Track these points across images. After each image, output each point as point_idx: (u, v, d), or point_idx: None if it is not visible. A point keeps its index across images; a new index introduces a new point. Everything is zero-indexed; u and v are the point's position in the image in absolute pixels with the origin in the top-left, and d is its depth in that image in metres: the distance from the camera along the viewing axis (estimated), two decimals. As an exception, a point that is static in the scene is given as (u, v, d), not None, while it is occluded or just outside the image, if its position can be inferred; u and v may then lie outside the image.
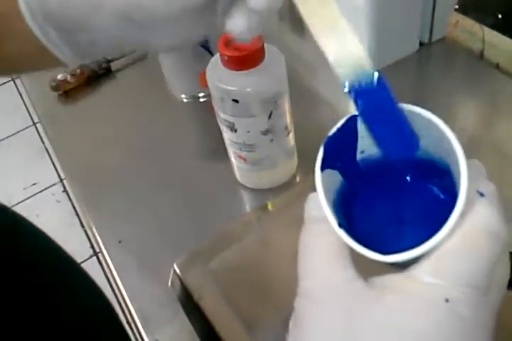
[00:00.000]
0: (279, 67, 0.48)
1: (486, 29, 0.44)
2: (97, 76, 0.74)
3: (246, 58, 0.45)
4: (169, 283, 0.48)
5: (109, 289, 1.12)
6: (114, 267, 0.53)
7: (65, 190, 1.74)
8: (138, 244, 0.55)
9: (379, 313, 0.23)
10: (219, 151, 0.57)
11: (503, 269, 0.25)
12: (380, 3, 0.60)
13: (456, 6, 0.45)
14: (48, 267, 0.54)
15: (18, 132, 1.94)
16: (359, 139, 0.28)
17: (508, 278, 0.25)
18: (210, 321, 0.43)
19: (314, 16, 0.27)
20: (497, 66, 0.44)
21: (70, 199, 1.71)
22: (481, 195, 0.24)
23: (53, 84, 0.72)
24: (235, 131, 0.50)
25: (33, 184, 1.76)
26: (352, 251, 0.25)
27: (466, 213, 0.23)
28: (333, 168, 0.28)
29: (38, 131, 1.92)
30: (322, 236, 0.26)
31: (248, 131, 0.50)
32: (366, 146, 0.29)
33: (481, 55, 0.44)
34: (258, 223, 0.50)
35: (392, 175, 0.29)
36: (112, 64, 0.74)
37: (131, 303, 0.50)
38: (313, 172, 0.27)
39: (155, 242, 0.54)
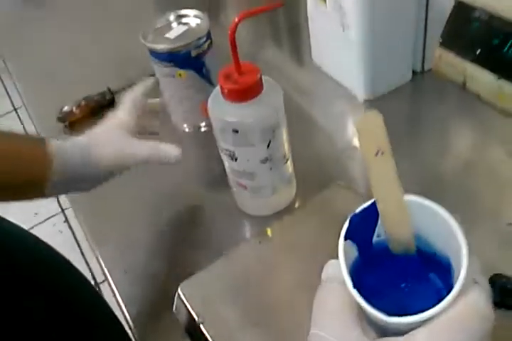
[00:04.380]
0: (277, 97, 0.50)
1: (467, 63, 0.47)
2: (101, 107, 0.75)
3: (245, 91, 0.47)
4: (174, 309, 0.49)
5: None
6: (120, 295, 0.54)
7: (66, 221, 1.75)
8: (142, 271, 0.56)
9: None
10: (220, 179, 0.59)
11: None
12: (375, 37, 0.63)
13: (441, 40, 0.48)
14: (63, 283, 0.55)
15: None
16: (378, 224, 0.32)
17: None
18: (214, 345, 0.44)
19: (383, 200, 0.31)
20: (478, 97, 0.47)
21: (71, 229, 1.71)
22: (476, 282, 0.28)
23: (60, 115, 0.74)
24: (236, 159, 0.52)
25: (35, 214, 1.77)
26: (360, 310, 0.29)
27: (462, 293, 0.27)
28: (353, 240, 0.31)
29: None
30: (339, 295, 0.30)
31: (248, 160, 0.52)
32: (382, 232, 0.32)
33: (464, 87, 0.47)
34: (258, 248, 0.51)
35: (398, 261, 0.33)
36: (115, 95, 0.76)
37: (136, 330, 0.51)
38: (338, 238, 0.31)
39: (158, 268, 0.56)
